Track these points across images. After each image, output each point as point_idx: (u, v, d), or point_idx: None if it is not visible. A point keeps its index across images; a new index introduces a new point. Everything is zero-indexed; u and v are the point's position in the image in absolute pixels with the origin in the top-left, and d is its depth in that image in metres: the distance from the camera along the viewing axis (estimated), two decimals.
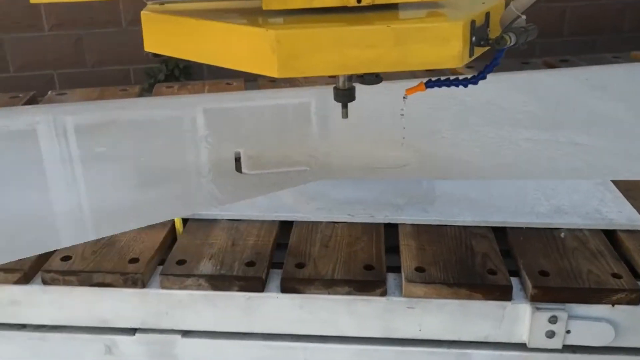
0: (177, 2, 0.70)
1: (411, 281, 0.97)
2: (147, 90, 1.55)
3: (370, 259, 1.03)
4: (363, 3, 0.61)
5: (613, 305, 0.95)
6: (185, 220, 1.15)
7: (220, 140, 1.31)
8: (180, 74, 2.53)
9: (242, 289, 0.99)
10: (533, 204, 1.19)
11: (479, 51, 0.64)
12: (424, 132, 1.34)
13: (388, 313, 0.97)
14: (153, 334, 1.01)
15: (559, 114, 1.42)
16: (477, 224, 1.13)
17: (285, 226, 1.14)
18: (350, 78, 0.75)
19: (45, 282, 1.00)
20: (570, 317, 0.94)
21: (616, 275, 0.98)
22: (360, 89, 0.79)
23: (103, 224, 1.16)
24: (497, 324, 0.96)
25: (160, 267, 1.02)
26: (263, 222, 1.14)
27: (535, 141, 1.36)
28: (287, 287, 0.98)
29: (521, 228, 1.12)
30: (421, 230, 1.11)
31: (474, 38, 0.61)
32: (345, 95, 0.75)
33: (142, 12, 0.69)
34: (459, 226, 1.12)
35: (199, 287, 0.99)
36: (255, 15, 0.65)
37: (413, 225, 1.13)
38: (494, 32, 0.66)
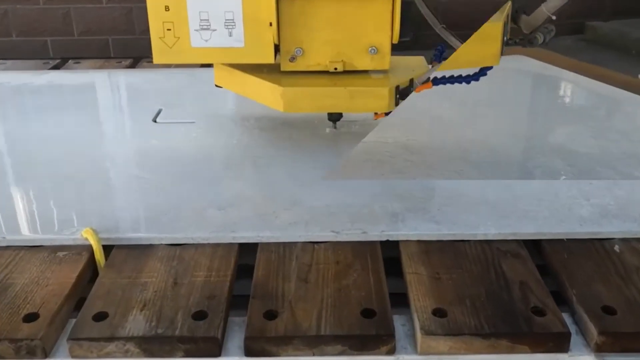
0: None
1: (430, 332, 0.69)
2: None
3: (369, 297, 0.74)
4: (338, 70, 0.98)
5: None
6: (108, 248, 0.83)
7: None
8: None
9: (189, 354, 0.69)
10: (570, 205, 0.91)
11: (400, 102, 0.97)
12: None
13: None
14: None
15: None
16: (503, 237, 0.85)
17: (247, 251, 0.84)
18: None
19: None
20: None
21: None
22: None
23: None
24: None
25: (72, 323, 0.72)
26: (216, 246, 0.84)
27: None
28: (254, 348, 0.69)
29: (561, 240, 0.84)
30: (431, 249, 0.83)
31: (397, 95, 0.94)
32: (334, 117, 1.09)
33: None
34: (480, 241, 0.84)
35: (126, 355, 0.69)
36: (274, 72, 1.00)
37: (420, 242, 0.84)
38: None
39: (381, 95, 0.94)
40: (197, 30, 0.95)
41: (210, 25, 0.94)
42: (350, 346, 0.68)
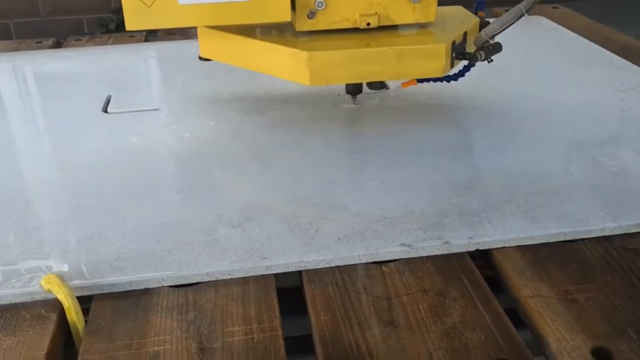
0: None
1: None
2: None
3: (493, 342, 0.51)
4: (371, 26, 0.74)
5: None
6: (85, 300, 0.57)
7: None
8: None
9: None
10: None
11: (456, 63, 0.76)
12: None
13: None
14: None
15: None
16: (625, 231, 0.64)
17: (285, 282, 0.59)
18: None
19: None
20: None
21: None
22: None
23: None
24: None
25: None
26: (244, 282, 0.58)
27: None
28: None
29: None
30: (541, 257, 0.61)
31: (454, 54, 0.73)
32: (355, 88, 0.83)
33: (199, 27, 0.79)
34: (596, 238, 0.63)
35: None
36: (286, 35, 0.76)
37: (520, 248, 0.62)
38: (470, 45, 0.76)
39: (437, 53, 0.71)
40: None
41: None
42: None
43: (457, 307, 0.55)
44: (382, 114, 0.90)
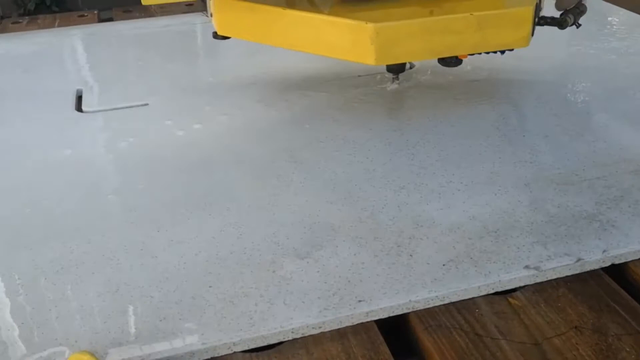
0: None
1: None
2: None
3: None
4: None
5: None
6: None
7: None
8: (52, 3, 2.09)
9: None
10: None
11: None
12: None
13: None
14: None
15: None
16: None
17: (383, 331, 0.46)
18: None
19: None
20: None
21: None
22: None
23: None
24: None
25: None
26: (340, 335, 0.44)
27: None
28: None
29: None
30: None
31: (536, 19, 0.63)
32: (399, 66, 0.71)
33: None
34: None
35: None
36: (328, 4, 0.62)
37: None
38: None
39: (523, 19, 0.59)
40: None
41: None
42: None
43: (627, 349, 0.43)
44: (422, 95, 0.77)
